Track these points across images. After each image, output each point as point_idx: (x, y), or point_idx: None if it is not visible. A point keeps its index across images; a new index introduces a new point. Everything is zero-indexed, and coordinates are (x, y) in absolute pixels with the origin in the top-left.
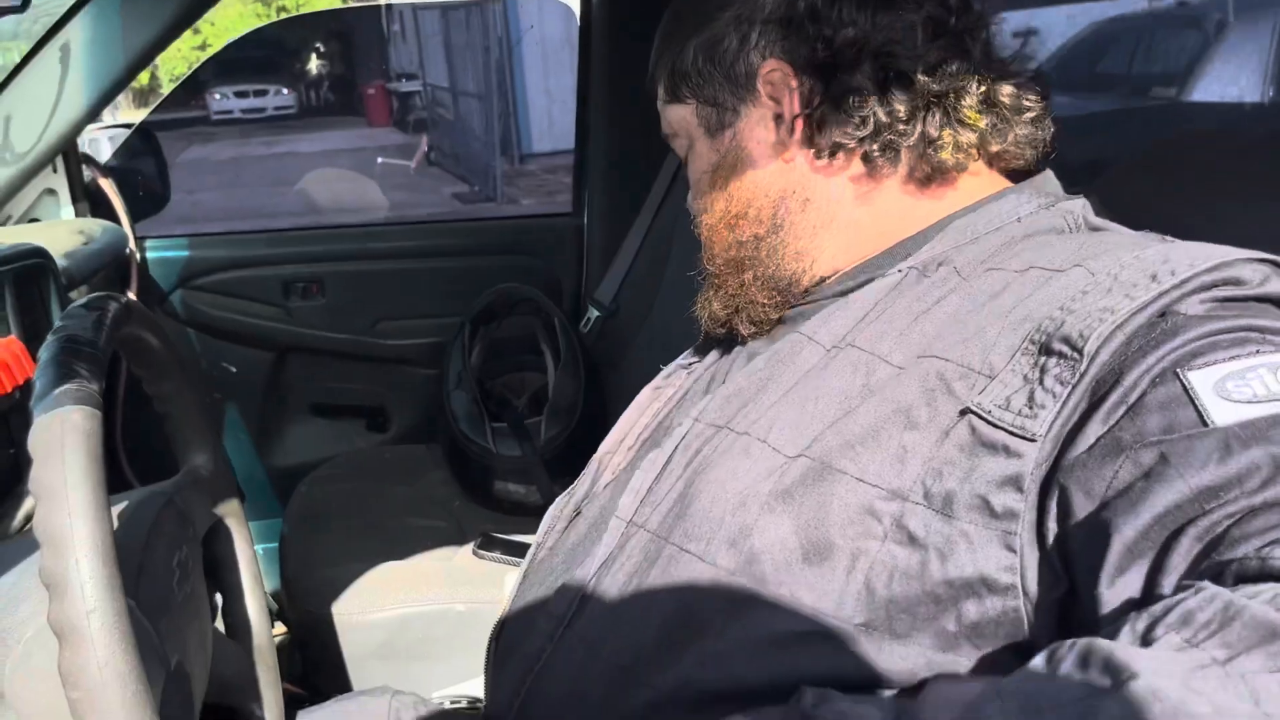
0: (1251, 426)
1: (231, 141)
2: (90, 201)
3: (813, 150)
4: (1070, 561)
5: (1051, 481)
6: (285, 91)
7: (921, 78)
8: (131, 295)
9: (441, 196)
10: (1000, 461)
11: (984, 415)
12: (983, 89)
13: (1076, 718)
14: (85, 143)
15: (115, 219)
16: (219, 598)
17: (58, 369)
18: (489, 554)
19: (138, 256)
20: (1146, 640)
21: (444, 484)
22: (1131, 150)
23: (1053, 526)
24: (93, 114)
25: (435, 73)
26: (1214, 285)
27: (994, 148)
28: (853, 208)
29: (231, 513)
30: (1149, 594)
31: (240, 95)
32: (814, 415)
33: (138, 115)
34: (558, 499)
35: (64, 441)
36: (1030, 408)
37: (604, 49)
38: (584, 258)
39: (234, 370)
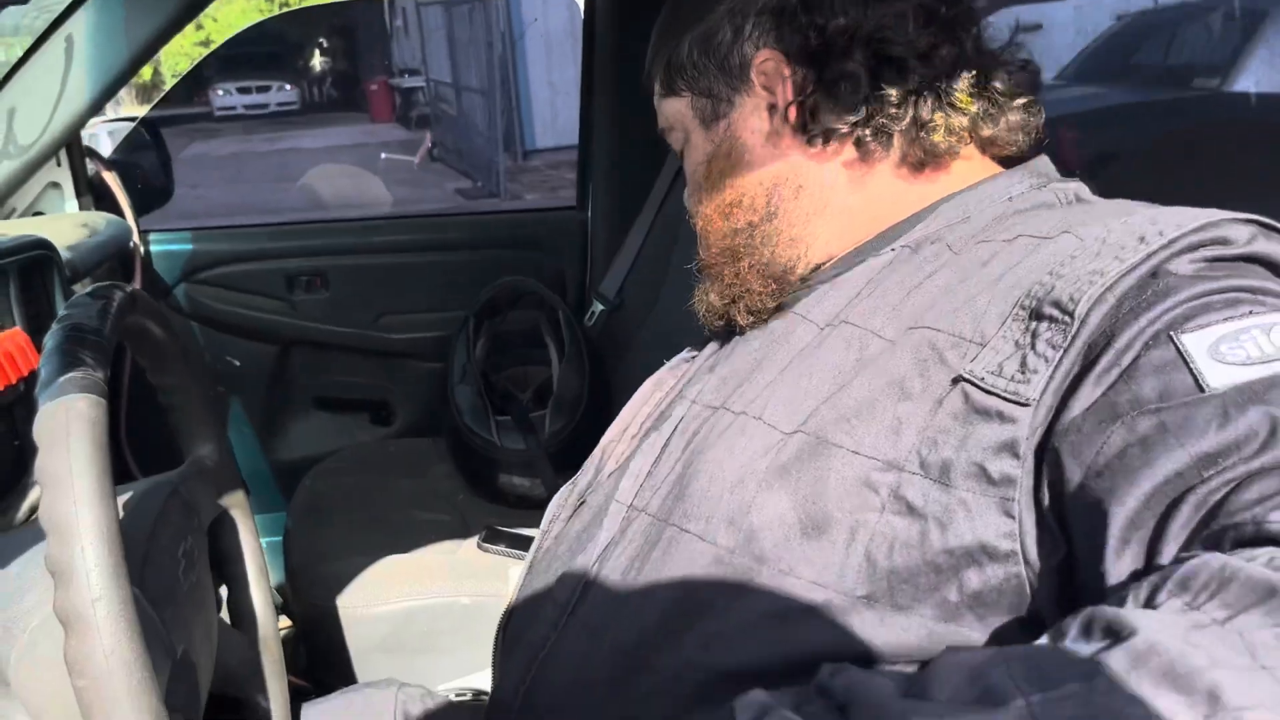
0: (1248, 390)
1: (234, 137)
2: (94, 195)
3: (805, 137)
4: (1069, 527)
5: (1047, 446)
6: (288, 87)
7: (913, 63)
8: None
9: (444, 192)
10: (995, 428)
11: (977, 382)
12: (973, 74)
13: (1080, 675)
14: (88, 136)
15: (119, 212)
16: (224, 589)
17: (63, 357)
18: (493, 547)
19: (141, 250)
20: (1149, 607)
21: (448, 477)
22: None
23: (1050, 491)
24: (96, 107)
25: (438, 68)
26: (1202, 245)
27: (986, 132)
28: (846, 194)
29: (236, 504)
30: (1151, 563)
31: (243, 91)
32: (808, 391)
33: (140, 111)
34: (561, 489)
35: (69, 429)
36: (1023, 373)
37: (608, 42)
38: (588, 251)
39: (238, 364)
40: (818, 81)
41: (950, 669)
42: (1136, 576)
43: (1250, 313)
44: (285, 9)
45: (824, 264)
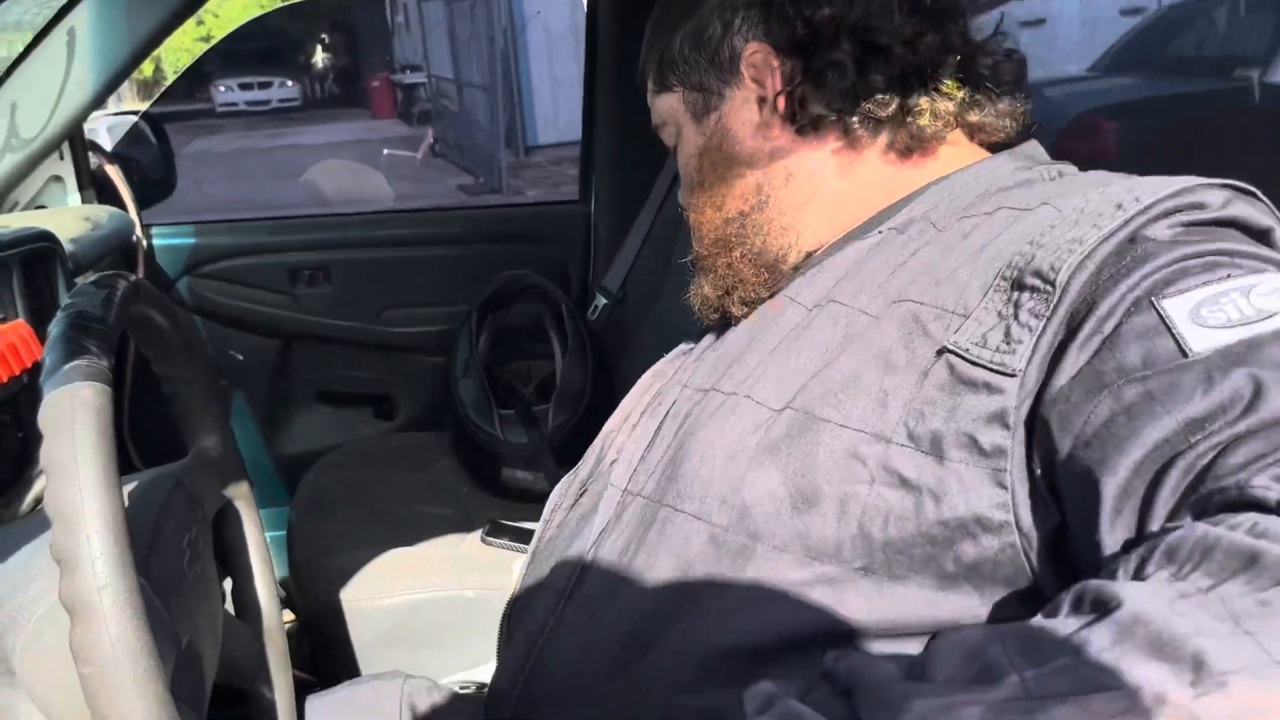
0: (1229, 353)
1: (236, 134)
2: (96, 188)
3: (794, 127)
4: (1060, 496)
5: (1036, 415)
6: (290, 84)
7: (898, 50)
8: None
9: (446, 188)
10: (983, 399)
11: (962, 354)
12: (958, 60)
13: (1070, 648)
14: (88, 131)
15: (121, 206)
16: (228, 581)
17: (67, 345)
18: (497, 541)
19: (144, 243)
20: (1138, 578)
21: (451, 471)
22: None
23: (1041, 461)
24: (99, 100)
25: (440, 64)
26: (1178, 210)
27: (973, 118)
28: (835, 181)
29: (240, 495)
30: (1144, 530)
31: (244, 88)
32: (797, 369)
33: (141, 107)
34: (563, 479)
35: (74, 417)
36: (1007, 343)
37: (611, 36)
38: (591, 245)
39: (240, 358)
40: (805, 71)
41: (949, 649)
42: (1130, 545)
43: (1228, 276)
44: (286, 2)
45: (815, 251)
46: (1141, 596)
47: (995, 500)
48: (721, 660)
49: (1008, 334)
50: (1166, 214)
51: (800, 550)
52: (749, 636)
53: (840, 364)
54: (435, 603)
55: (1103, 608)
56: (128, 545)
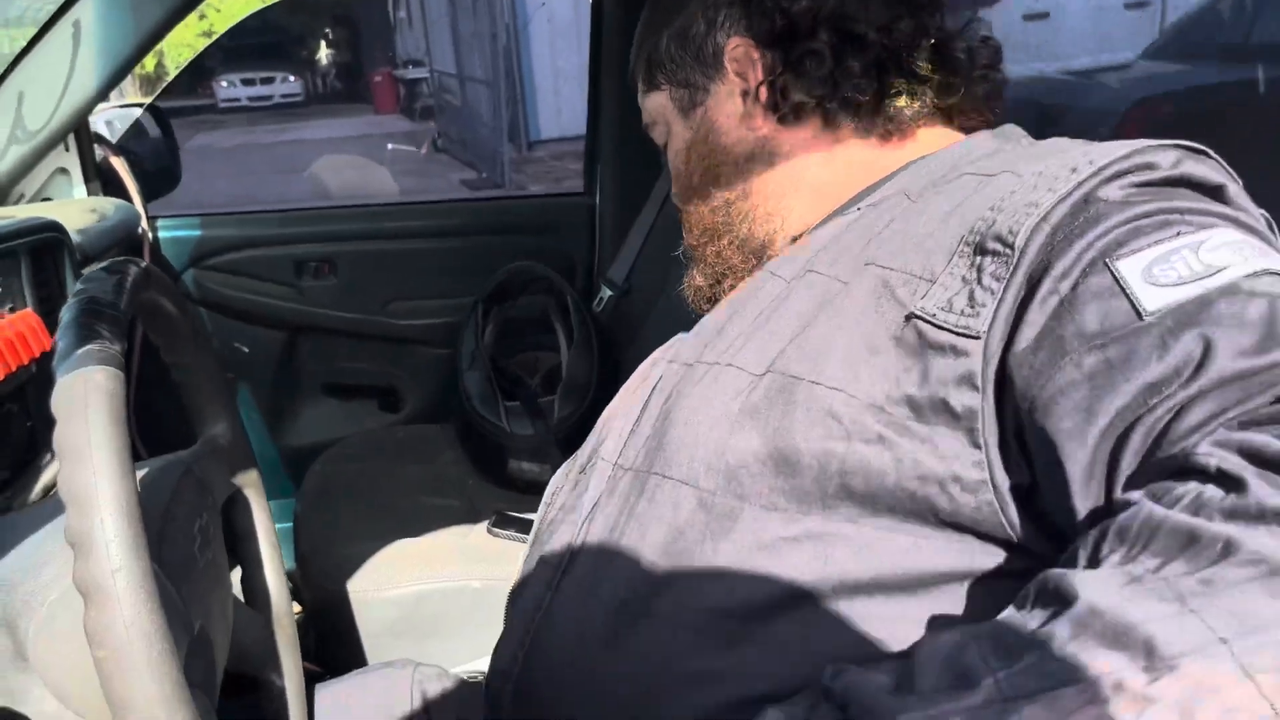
0: (1180, 312)
1: (239, 129)
2: (102, 181)
3: (777, 116)
4: (1030, 459)
5: (1004, 377)
6: (292, 79)
7: (873, 36)
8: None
9: (449, 183)
10: (950, 362)
11: (929, 319)
12: (933, 45)
13: (1035, 644)
14: (94, 122)
15: (127, 198)
16: (237, 569)
17: (80, 330)
18: (503, 532)
19: (150, 235)
20: (1094, 559)
21: (457, 463)
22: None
23: (1012, 422)
24: (104, 92)
25: (442, 58)
26: (1130, 171)
27: (950, 100)
28: (818, 167)
29: (250, 483)
30: (1112, 493)
31: (247, 83)
32: (776, 335)
33: (145, 101)
34: (564, 465)
35: (87, 401)
36: (971, 307)
37: (615, 26)
38: (596, 237)
39: (246, 350)
40: (785, 62)
41: (930, 657)
42: (1098, 512)
43: (1179, 233)
44: None
45: (800, 236)
46: (1095, 587)
47: (971, 459)
48: (716, 622)
49: (971, 298)
50: (1119, 175)
51: (786, 508)
52: (741, 596)
53: (817, 328)
54: (442, 593)
55: (1062, 600)
56: (142, 529)
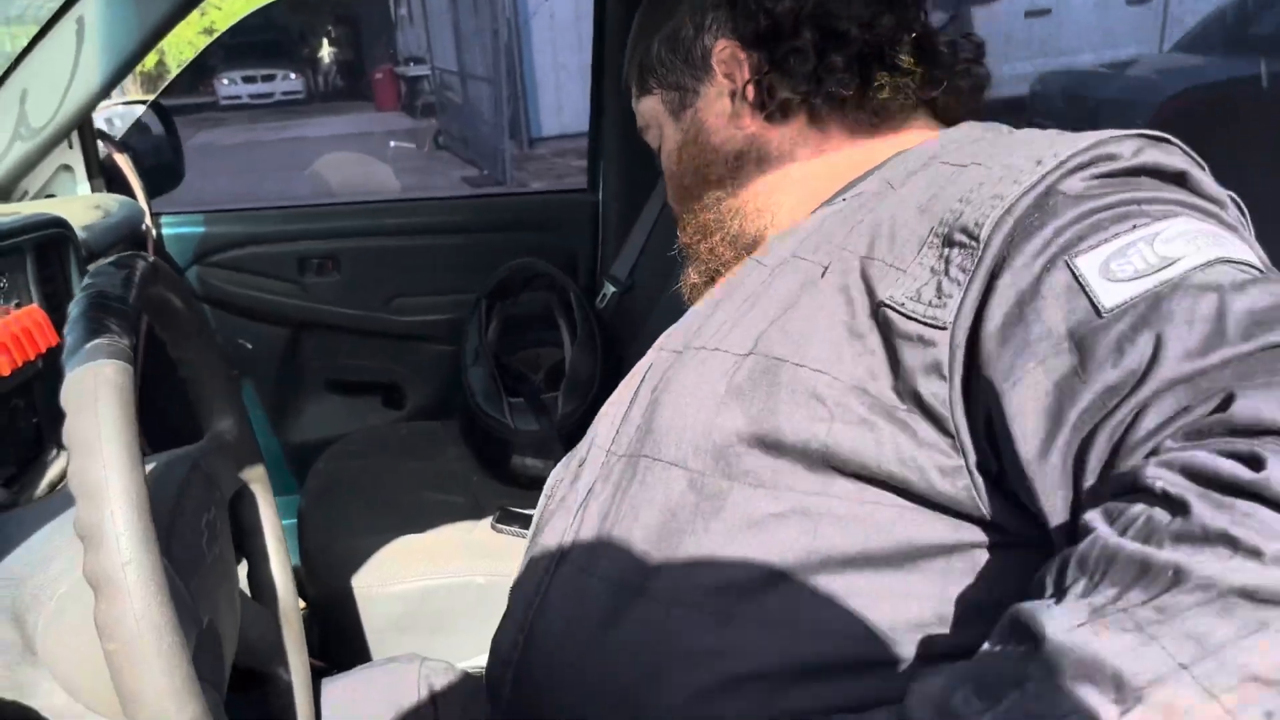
0: (1134, 310)
1: (240, 126)
2: (105, 177)
3: (764, 113)
4: (999, 454)
5: (970, 368)
6: (293, 76)
7: (855, 31)
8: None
9: (450, 180)
10: (919, 351)
11: (898, 308)
12: (915, 38)
13: (1014, 684)
14: (97, 119)
15: (130, 195)
16: (243, 564)
17: (89, 324)
18: (507, 528)
19: (153, 232)
20: (1060, 586)
21: (461, 459)
22: None
23: (981, 412)
24: (108, 89)
25: (444, 55)
26: (1092, 162)
27: (933, 93)
28: (805, 162)
29: (256, 478)
30: (1078, 496)
31: (248, 80)
32: (759, 317)
33: (147, 99)
34: (564, 459)
35: (97, 394)
36: (939, 297)
37: (619, 19)
38: (599, 233)
39: (249, 347)
40: (770, 61)
41: (922, 704)
42: (1069, 509)
43: (1134, 226)
44: None
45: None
46: (1063, 625)
47: (944, 445)
48: (709, 600)
49: (939, 289)
50: (1081, 167)
51: (773, 485)
52: (732, 573)
53: (798, 310)
54: (447, 589)
55: (1033, 640)
56: (151, 522)
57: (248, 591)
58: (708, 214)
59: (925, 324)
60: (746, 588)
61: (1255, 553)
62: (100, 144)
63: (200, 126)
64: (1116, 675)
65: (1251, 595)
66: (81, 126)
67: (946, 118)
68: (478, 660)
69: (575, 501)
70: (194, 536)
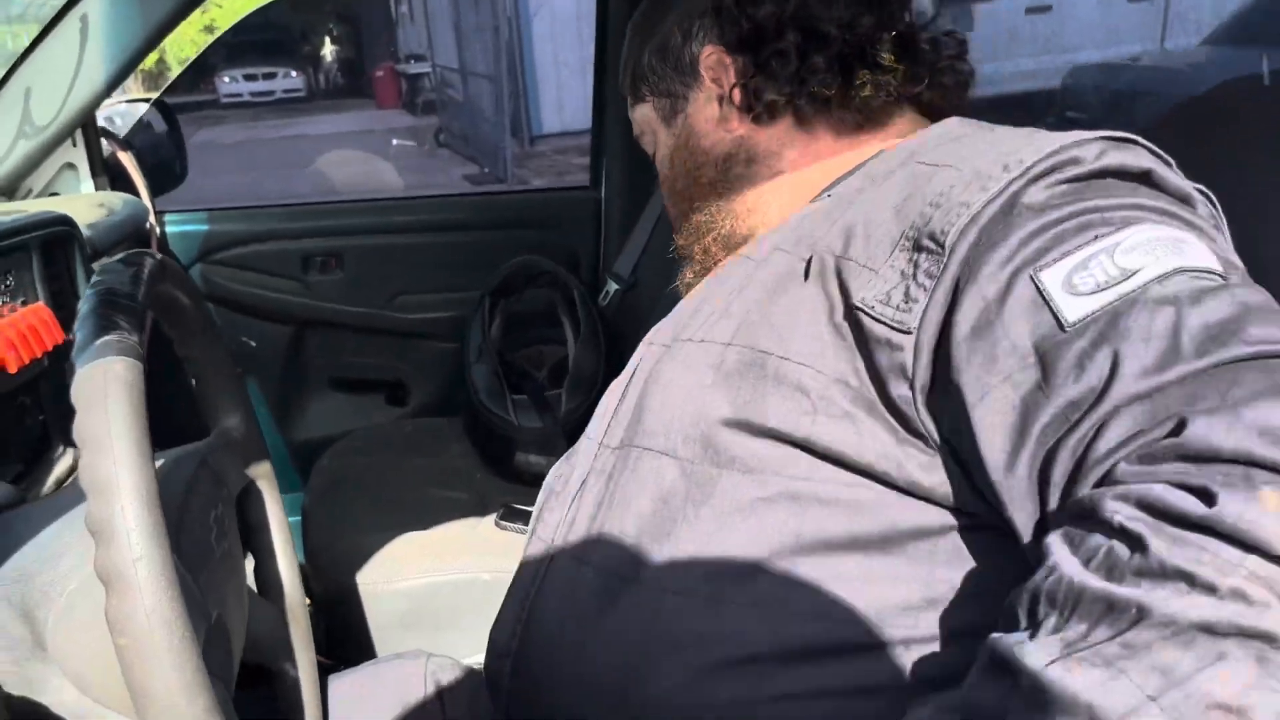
0: (1094, 325)
1: (241, 124)
2: (109, 175)
3: (751, 116)
4: (965, 463)
5: (935, 375)
6: (294, 74)
7: (835, 32)
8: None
9: (451, 178)
10: (886, 354)
11: (868, 310)
12: (896, 36)
13: (997, 718)
14: (100, 117)
15: (134, 193)
16: (250, 560)
17: (98, 321)
18: (511, 525)
19: (158, 230)
20: (1033, 618)
21: (464, 456)
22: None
23: (947, 419)
24: (111, 87)
25: (444, 53)
26: (1055, 169)
27: (916, 89)
28: (794, 161)
29: (263, 474)
30: (1044, 509)
31: (249, 78)
32: (744, 309)
33: (149, 97)
34: (564, 456)
35: (107, 391)
36: (906, 302)
37: (622, 16)
38: (602, 231)
39: (253, 344)
40: (755, 64)
41: None
42: (1040, 521)
43: (1096, 237)
44: None
45: None
46: (1036, 661)
47: (916, 444)
48: (700, 585)
49: (907, 293)
50: (1045, 173)
51: (760, 471)
52: (723, 558)
53: (781, 304)
54: (452, 585)
55: (1012, 676)
56: (161, 518)
57: (254, 588)
58: (700, 215)
59: (892, 328)
60: (737, 573)
61: (1210, 588)
62: (104, 142)
63: (201, 124)
64: (1090, 709)
65: (1210, 629)
66: (85, 125)
67: (932, 114)
68: (482, 656)
69: (569, 494)
70: (202, 532)
